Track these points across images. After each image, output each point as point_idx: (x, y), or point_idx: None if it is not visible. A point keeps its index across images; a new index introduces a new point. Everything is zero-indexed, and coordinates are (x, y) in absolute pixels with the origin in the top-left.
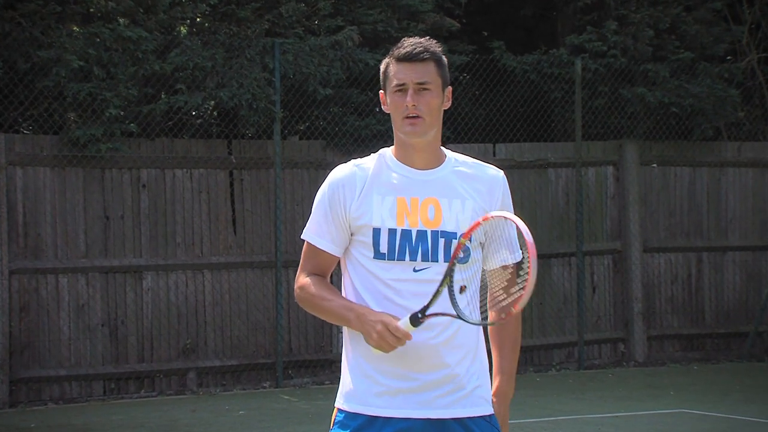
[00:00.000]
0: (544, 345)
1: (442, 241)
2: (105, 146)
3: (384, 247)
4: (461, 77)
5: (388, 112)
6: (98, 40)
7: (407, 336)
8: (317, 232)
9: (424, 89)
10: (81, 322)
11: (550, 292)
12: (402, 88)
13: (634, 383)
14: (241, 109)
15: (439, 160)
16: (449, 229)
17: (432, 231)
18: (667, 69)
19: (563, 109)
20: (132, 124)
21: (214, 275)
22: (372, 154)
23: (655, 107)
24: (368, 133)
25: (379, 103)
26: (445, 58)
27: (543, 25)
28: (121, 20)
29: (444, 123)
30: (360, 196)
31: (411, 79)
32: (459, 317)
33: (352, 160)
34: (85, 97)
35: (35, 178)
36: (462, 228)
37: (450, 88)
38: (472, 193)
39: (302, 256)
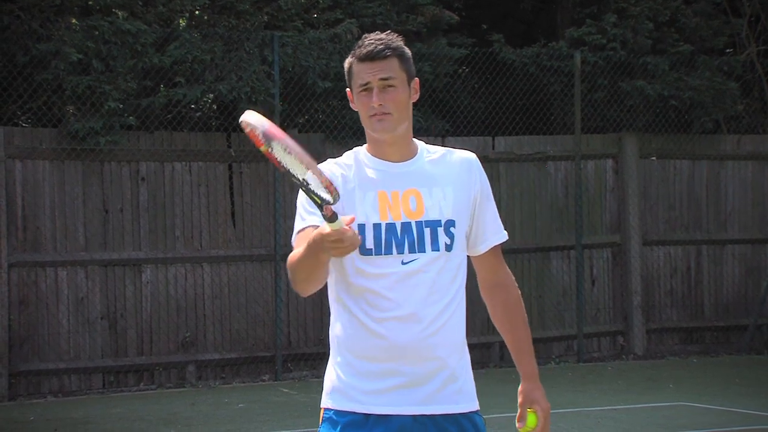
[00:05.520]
0: (543, 338)
1: (427, 231)
2: (104, 139)
3: (370, 243)
4: (460, 70)
5: (356, 110)
6: (97, 33)
7: (340, 232)
8: (307, 215)
9: (389, 86)
10: (80, 316)
11: (549, 285)
12: (367, 88)
13: (633, 376)
14: (240, 102)
15: (413, 151)
16: (433, 217)
17: (416, 222)
18: (667, 62)
19: (562, 102)
20: (131, 117)
21: (214, 268)
22: (346, 153)
23: (655, 100)
24: None
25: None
26: (408, 51)
27: (542, 18)
28: (120, 13)
29: (443, 116)
30: (344, 194)
31: (375, 77)
32: (324, 201)
33: (330, 159)
34: (84, 90)
35: (34, 171)
36: (445, 215)
37: (416, 79)
38: (450, 179)
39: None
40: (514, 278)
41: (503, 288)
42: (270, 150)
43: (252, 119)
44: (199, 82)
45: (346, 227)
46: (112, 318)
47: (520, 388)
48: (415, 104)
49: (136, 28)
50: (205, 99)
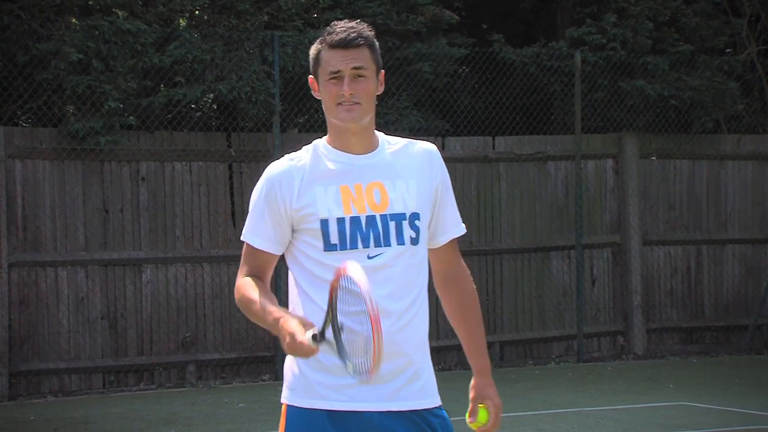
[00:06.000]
0: (544, 338)
1: (392, 224)
2: (104, 139)
3: (335, 238)
4: (460, 70)
5: (319, 98)
6: (97, 32)
7: (312, 352)
8: (254, 231)
9: (360, 76)
10: (80, 315)
11: (549, 285)
12: (337, 76)
13: (633, 376)
14: (241, 102)
15: (375, 143)
16: (398, 210)
17: (381, 215)
18: (667, 62)
19: (563, 102)
20: (131, 117)
21: (214, 268)
22: (305, 147)
23: (655, 100)
24: None
25: (379, 96)
26: (377, 42)
27: (542, 18)
28: (120, 13)
29: (443, 116)
30: (299, 190)
31: (347, 66)
32: (342, 359)
33: (286, 155)
34: (84, 90)
35: (34, 171)
36: (410, 208)
37: (383, 72)
38: (413, 171)
39: (242, 257)
40: (469, 272)
41: (459, 281)
42: (335, 295)
43: (363, 281)
44: (200, 82)
45: (318, 348)
46: (112, 318)
47: (471, 383)
48: (415, 104)
49: (136, 28)
50: (205, 99)
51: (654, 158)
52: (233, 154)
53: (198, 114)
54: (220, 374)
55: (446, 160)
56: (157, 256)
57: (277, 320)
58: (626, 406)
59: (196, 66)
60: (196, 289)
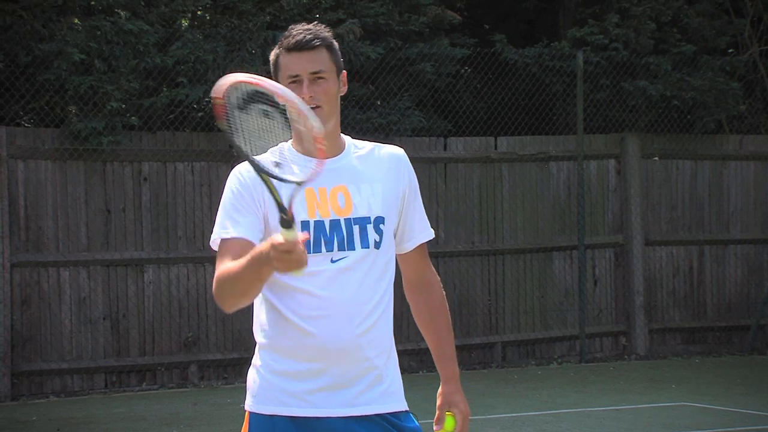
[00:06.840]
0: (546, 338)
1: (356, 228)
2: (106, 139)
3: None
4: (462, 70)
5: (282, 103)
6: (99, 33)
7: (293, 243)
8: (232, 224)
9: (320, 78)
10: (82, 316)
11: (551, 285)
12: (296, 80)
13: (635, 376)
14: None
15: (340, 147)
16: (362, 214)
17: (345, 219)
18: (669, 62)
19: (565, 102)
20: (133, 117)
21: None
22: (270, 149)
23: (657, 100)
24: (370, 126)
25: (381, 96)
26: (336, 43)
27: (544, 18)
28: (122, 13)
29: (445, 116)
30: (268, 195)
31: (304, 69)
32: (301, 182)
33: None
34: (86, 90)
35: (36, 171)
36: (375, 212)
37: (345, 72)
38: (379, 174)
39: (217, 261)
40: (439, 279)
41: (428, 287)
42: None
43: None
44: (202, 82)
45: (300, 240)
46: (114, 318)
47: (439, 390)
48: (417, 104)
49: (138, 28)
50: (207, 99)
51: (656, 158)
52: (235, 154)
53: (200, 114)
54: (222, 374)
55: (448, 160)
56: (159, 257)
57: (258, 253)
58: (629, 407)
59: (198, 66)
60: (198, 290)
